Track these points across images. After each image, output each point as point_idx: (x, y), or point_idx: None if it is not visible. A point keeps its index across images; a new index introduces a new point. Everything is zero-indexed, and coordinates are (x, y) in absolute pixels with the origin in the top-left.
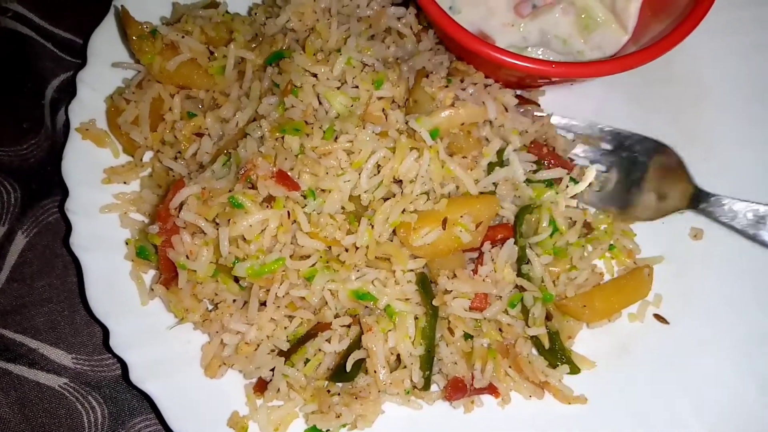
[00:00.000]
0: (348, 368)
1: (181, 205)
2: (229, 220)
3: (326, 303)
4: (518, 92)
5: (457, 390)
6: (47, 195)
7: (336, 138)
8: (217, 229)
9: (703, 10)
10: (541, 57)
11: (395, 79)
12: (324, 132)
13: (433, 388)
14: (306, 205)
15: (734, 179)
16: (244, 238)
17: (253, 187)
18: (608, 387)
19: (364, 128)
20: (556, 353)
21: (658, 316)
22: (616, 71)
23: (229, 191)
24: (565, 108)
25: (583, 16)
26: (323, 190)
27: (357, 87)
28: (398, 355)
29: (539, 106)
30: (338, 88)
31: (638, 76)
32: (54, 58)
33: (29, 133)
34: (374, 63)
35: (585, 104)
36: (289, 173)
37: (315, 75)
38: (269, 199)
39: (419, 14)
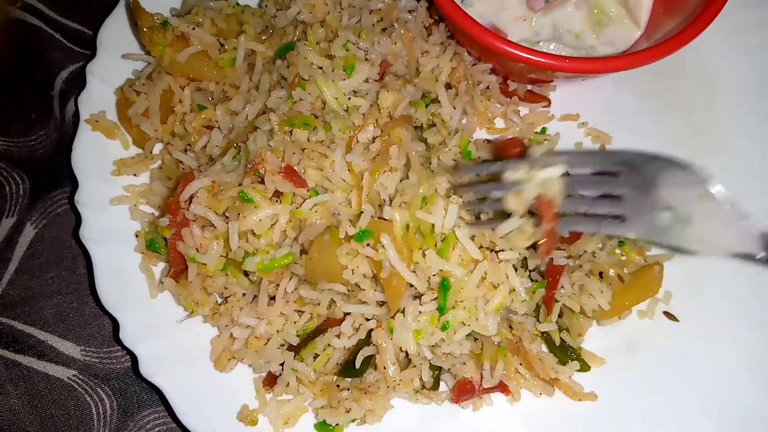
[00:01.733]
0: (357, 365)
1: (191, 197)
2: (238, 214)
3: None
4: (529, 87)
5: (465, 392)
6: (56, 186)
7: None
8: (227, 223)
9: (716, 9)
10: (553, 52)
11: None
12: (323, 125)
13: (442, 387)
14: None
15: (745, 175)
16: (254, 233)
17: (262, 181)
18: (617, 384)
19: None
20: (567, 350)
21: (667, 314)
22: (629, 67)
23: (239, 185)
24: (575, 103)
25: (595, 11)
26: (327, 189)
27: (366, 80)
28: (407, 353)
29: (550, 102)
30: (344, 80)
31: (649, 72)
32: (63, 49)
33: (38, 124)
34: (367, 49)
35: (596, 99)
36: (296, 167)
37: (321, 67)
38: (278, 194)
39: (431, 7)
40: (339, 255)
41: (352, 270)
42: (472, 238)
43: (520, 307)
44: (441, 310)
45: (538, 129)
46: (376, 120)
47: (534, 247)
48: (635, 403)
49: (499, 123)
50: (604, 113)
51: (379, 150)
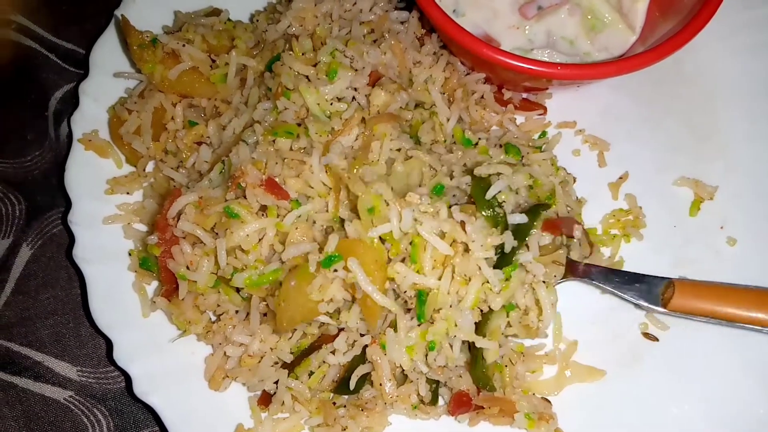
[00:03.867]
0: (352, 385)
1: (179, 214)
2: (226, 230)
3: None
4: (524, 95)
5: (461, 404)
6: (52, 206)
7: None
8: (216, 239)
9: (712, 10)
10: (547, 59)
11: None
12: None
13: (440, 401)
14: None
15: (747, 177)
16: (242, 248)
17: (245, 195)
18: (620, 396)
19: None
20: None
21: (646, 334)
22: (623, 72)
23: (225, 200)
24: (572, 110)
25: (589, 17)
26: (309, 197)
27: (355, 89)
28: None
29: (546, 109)
30: (326, 86)
31: (647, 76)
32: (57, 70)
33: (33, 144)
34: (353, 57)
35: (593, 106)
36: (277, 178)
37: (307, 76)
38: (264, 207)
39: (422, 18)
40: (310, 292)
41: (328, 301)
42: (443, 236)
43: (495, 301)
44: (420, 318)
45: (538, 134)
46: (363, 118)
47: None
48: (637, 415)
49: (496, 132)
50: (601, 120)
51: (361, 145)
